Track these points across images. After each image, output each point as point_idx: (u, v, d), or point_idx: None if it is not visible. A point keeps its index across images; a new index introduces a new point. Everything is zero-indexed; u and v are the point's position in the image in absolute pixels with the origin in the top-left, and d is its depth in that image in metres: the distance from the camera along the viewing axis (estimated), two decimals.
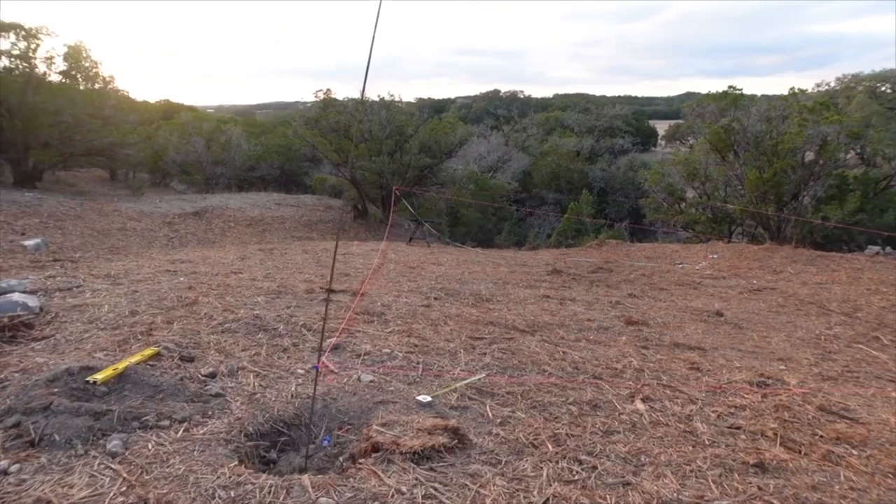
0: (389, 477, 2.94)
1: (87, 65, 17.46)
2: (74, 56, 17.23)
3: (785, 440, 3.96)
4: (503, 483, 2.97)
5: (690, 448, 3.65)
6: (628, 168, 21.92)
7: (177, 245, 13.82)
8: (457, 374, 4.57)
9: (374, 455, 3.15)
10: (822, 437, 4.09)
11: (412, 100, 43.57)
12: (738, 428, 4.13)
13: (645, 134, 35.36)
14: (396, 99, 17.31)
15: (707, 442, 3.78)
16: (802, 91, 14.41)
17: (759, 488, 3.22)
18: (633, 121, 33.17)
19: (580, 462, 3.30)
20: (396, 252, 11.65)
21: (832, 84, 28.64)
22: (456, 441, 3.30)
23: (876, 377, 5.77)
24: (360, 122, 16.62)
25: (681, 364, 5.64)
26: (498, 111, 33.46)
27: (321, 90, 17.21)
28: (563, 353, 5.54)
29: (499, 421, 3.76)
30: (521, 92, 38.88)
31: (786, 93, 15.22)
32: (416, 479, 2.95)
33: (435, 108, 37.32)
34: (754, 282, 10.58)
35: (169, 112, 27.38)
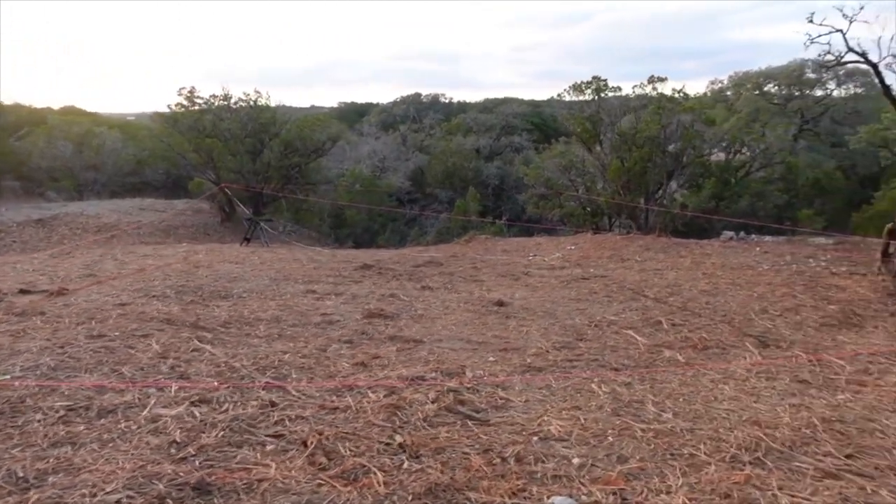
0: None
1: None
2: None
3: (321, 452, 2.94)
4: None
5: (141, 464, 2.63)
6: (522, 164, 21.06)
7: None
8: None
9: None
10: (385, 444, 3.08)
11: (335, 104, 42.39)
12: (278, 437, 3.12)
13: (568, 134, 34.75)
14: (263, 98, 16.14)
15: (184, 456, 2.77)
16: (661, 80, 13.81)
17: None
18: (556, 120, 32.42)
19: None
20: (212, 252, 10.52)
21: (725, 82, 28.52)
22: None
23: (600, 365, 4.83)
24: (220, 120, 15.47)
25: (356, 359, 4.64)
26: (395, 112, 32.62)
27: (184, 87, 16.08)
28: (198, 351, 4.51)
29: None
30: (443, 95, 38.21)
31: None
32: None
33: (357, 113, 36.30)
34: (591, 270, 9.70)
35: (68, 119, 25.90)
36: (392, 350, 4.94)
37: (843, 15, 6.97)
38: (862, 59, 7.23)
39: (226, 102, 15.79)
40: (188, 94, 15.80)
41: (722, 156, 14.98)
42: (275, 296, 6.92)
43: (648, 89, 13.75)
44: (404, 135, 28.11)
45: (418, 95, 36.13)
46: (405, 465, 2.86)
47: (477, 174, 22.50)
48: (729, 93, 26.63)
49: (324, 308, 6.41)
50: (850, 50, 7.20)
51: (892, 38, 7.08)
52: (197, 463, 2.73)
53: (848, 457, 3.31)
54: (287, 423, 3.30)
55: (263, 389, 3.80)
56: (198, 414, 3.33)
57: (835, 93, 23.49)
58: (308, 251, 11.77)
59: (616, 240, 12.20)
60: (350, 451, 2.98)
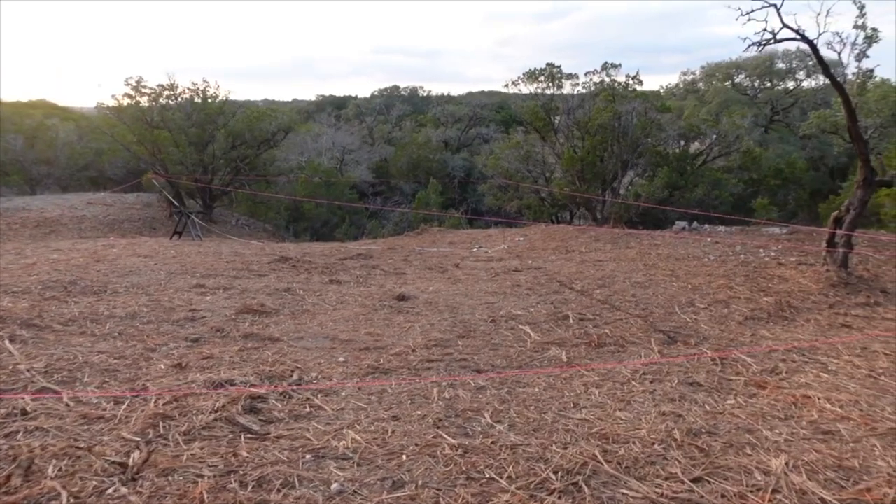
0: None
1: None
2: None
3: (22, 472, 2.37)
4: None
5: None
6: (487, 156, 20.38)
7: None
8: None
9: None
10: (111, 462, 2.51)
11: (313, 97, 41.44)
12: None
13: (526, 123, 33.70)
14: (212, 88, 15.38)
15: None
16: (615, 66, 13.14)
17: None
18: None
19: None
20: (130, 246, 9.92)
21: (697, 73, 27.84)
22: None
23: (464, 366, 4.25)
24: (166, 111, 14.77)
25: (183, 360, 4.06)
26: (372, 105, 31.89)
27: (131, 77, 15.37)
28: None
29: None
30: (422, 88, 37.26)
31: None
32: None
33: (335, 105, 35.49)
34: (529, 262, 9.12)
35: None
36: (234, 350, 4.37)
37: None
38: (798, 37, 6.61)
39: (171, 92, 15.10)
40: (134, 85, 15.12)
41: (694, 144, 14.38)
42: (156, 291, 6.34)
43: (603, 76, 13.12)
44: (371, 126, 27.36)
45: (396, 88, 35.42)
46: (109, 490, 2.31)
47: (442, 166, 21.80)
48: (701, 84, 26.00)
49: (199, 303, 5.83)
50: (785, 26, 6.59)
51: (828, 13, 6.44)
52: None
53: (695, 480, 2.74)
54: (19, 435, 2.75)
55: (30, 396, 3.23)
56: None
57: (804, 83, 23.01)
58: (238, 244, 11.17)
59: (567, 231, 11.62)
60: (60, 470, 2.42)
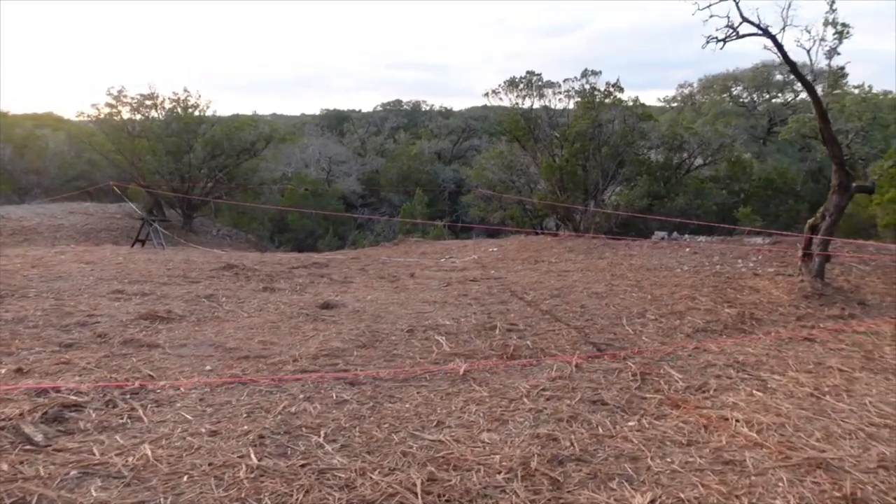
0: None
1: None
2: None
3: None
4: None
5: None
6: (474, 167, 19.91)
7: None
8: None
9: None
10: None
11: (317, 111, 41.46)
12: None
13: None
14: (193, 97, 15.18)
15: None
16: (595, 73, 12.67)
17: None
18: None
19: None
20: (82, 253, 9.67)
21: (695, 86, 27.16)
22: None
23: (340, 378, 3.78)
24: (145, 120, 14.65)
25: (34, 365, 3.68)
26: (375, 118, 31.76)
27: (113, 87, 15.31)
28: None
29: None
30: (424, 102, 36.99)
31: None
32: None
33: (338, 119, 35.45)
34: (491, 272, 8.67)
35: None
36: (98, 356, 3.99)
37: None
38: (759, 31, 6.14)
39: (153, 102, 14.96)
40: (115, 95, 15.02)
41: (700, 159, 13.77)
42: (69, 296, 6.01)
43: (583, 83, 12.64)
44: (363, 138, 27.19)
45: (399, 102, 35.31)
46: None
47: (433, 177, 21.43)
48: (698, 96, 25.38)
49: (104, 309, 5.49)
50: (745, 20, 6.14)
51: (789, 6, 5.96)
52: None
53: None
54: None
55: None
56: None
57: (802, 95, 22.09)
58: (197, 253, 10.87)
59: (544, 241, 11.13)
60: None
